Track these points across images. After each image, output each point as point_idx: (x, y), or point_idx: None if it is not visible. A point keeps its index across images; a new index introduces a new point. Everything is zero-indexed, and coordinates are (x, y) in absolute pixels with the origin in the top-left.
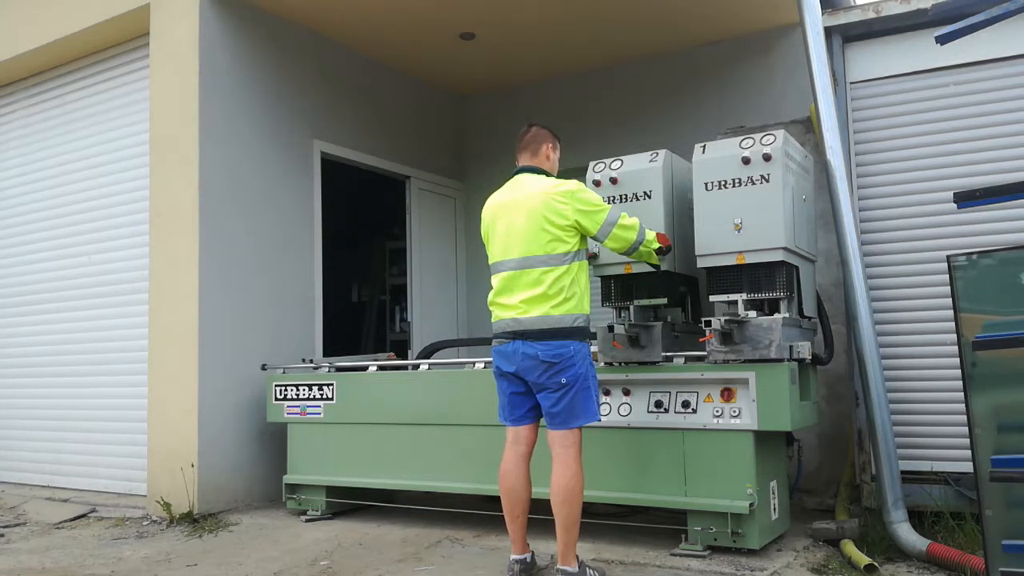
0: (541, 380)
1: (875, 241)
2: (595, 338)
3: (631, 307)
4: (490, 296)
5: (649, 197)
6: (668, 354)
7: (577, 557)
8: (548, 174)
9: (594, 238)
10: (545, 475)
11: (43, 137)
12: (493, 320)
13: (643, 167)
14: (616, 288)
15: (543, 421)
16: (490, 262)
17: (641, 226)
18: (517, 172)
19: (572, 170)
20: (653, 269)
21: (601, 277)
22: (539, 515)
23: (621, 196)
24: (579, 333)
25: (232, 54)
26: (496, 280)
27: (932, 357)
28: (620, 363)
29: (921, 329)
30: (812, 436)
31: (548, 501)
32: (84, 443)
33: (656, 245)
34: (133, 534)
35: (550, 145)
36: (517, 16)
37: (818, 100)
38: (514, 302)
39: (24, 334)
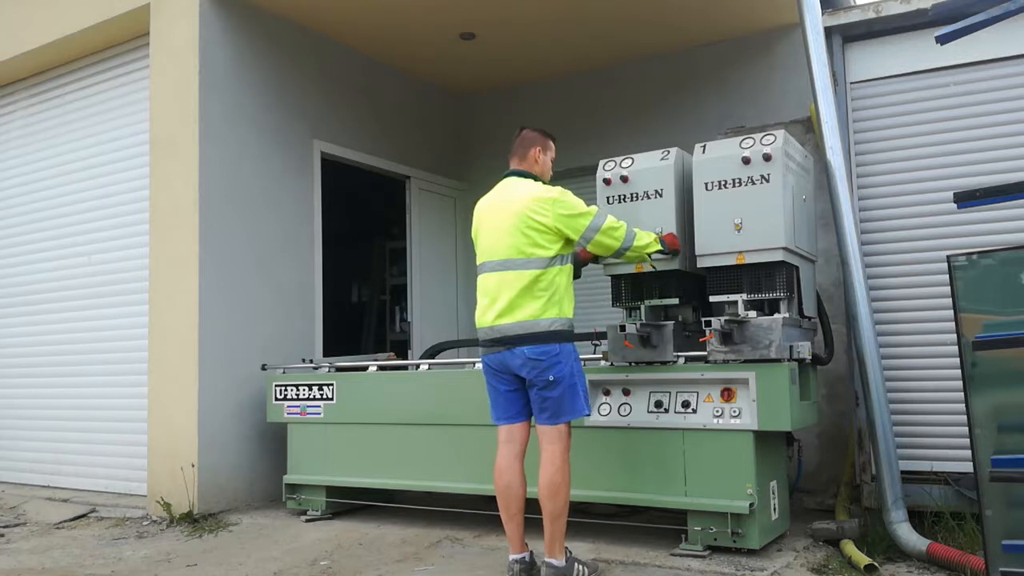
0: (531, 376)
1: (875, 241)
2: (600, 338)
3: (642, 307)
4: (477, 296)
5: (660, 196)
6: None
7: (567, 550)
8: (536, 177)
9: (577, 244)
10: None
11: (43, 137)
12: (477, 325)
13: (654, 165)
14: (627, 288)
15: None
16: (477, 262)
17: (629, 231)
18: (506, 175)
19: (572, 170)
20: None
21: (611, 276)
22: (536, 515)
23: (632, 195)
24: (558, 336)
25: (232, 54)
26: (481, 280)
27: (932, 357)
28: (632, 363)
29: (921, 329)
30: (812, 436)
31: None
32: (84, 443)
33: (652, 249)
34: (133, 534)
35: (538, 148)
36: (517, 16)
37: (818, 100)
38: (496, 306)
39: (24, 334)
